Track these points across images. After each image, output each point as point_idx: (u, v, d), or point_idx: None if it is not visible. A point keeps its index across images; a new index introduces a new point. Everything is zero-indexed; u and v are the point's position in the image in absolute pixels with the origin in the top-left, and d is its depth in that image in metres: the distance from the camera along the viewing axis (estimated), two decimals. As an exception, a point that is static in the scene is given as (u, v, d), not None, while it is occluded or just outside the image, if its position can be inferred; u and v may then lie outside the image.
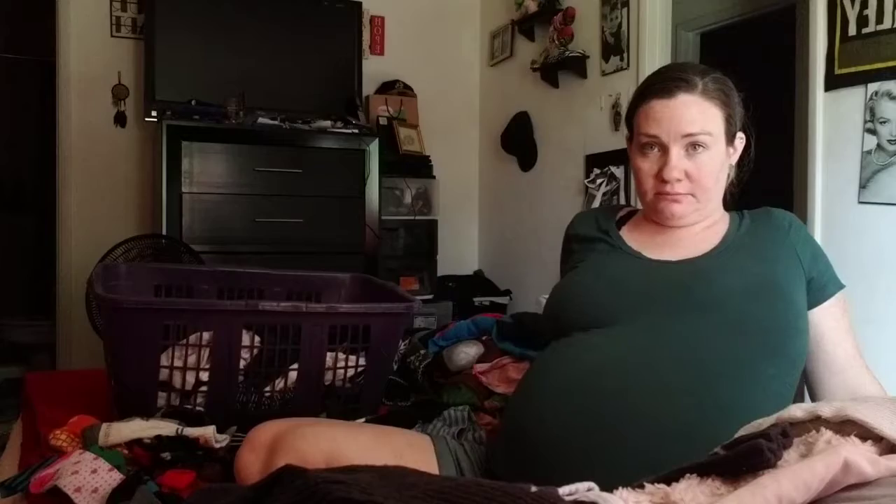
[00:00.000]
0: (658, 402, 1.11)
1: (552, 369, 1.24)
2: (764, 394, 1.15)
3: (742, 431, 0.88)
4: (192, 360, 1.50)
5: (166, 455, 1.28)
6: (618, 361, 1.16)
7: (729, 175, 1.35)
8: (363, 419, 1.55)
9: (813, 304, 1.27)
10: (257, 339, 1.57)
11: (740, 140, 1.32)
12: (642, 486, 0.71)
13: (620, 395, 1.13)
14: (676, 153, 1.23)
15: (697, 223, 1.31)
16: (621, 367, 1.16)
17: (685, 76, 1.25)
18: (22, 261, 5.20)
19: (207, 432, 1.33)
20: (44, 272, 4.56)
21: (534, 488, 0.59)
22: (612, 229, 1.40)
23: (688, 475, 0.72)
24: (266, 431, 1.24)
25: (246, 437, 1.27)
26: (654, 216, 1.33)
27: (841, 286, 1.31)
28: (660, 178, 1.25)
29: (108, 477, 1.18)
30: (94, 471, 1.18)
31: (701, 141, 1.23)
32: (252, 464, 1.22)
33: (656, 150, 1.26)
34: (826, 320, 1.27)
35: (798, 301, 1.24)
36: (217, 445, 1.34)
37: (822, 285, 1.28)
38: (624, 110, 3.40)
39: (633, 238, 1.36)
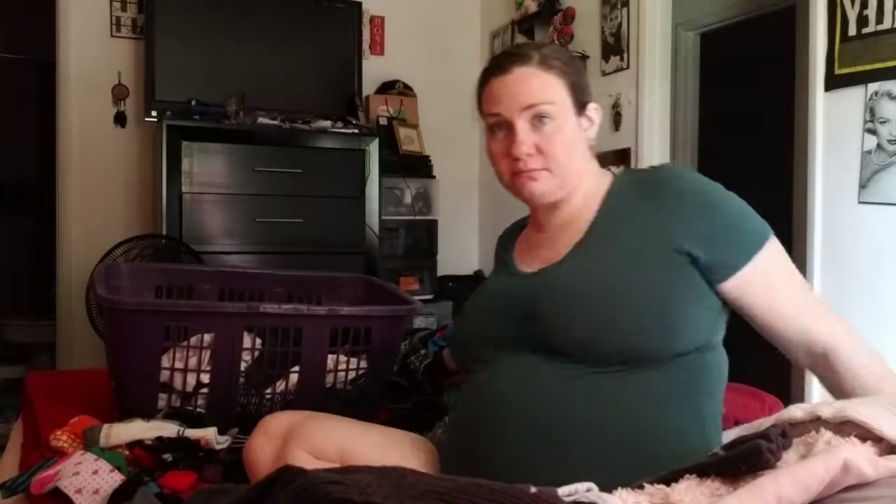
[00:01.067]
0: (510, 443, 1.09)
1: (454, 411, 1.26)
2: (632, 410, 1.08)
3: (741, 432, 0.88)
4: (192, 361, 1.50)
5: (167, 456, 1.28)
6: (479, 404, 1.15)
7: (594, 147, 1.26)
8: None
9: (718, 279, 1.12)
10: (258, 341, 1.57)
11: (595, 111, 1.24)
12: (642, 487, 0.71)
13: (482, 439, 1.12)
14: (522, 127, 1.17)
15: (565, 201, 1.22)
16: (479, 411, 1.14)
17: (520, 51, 1.21)
18: (22, 261, 5.20)
19: (209, 434, 1.34)
20: (44, 272, 4.56)
21: (533, 489, 0.59)
22: (510, 242, 1.36)
23: (687, 476, 0.72)
24: (282, 420, 1.26)
25: (259, 424, 1.28)
26: (520, 199, 1.26)
27: (758, 246, 1.12)
28: (512, 157, 1.19)
29: (109, 478, 1.18)
30: (96, 472, 1.18)
31: (544, 111, 1.17)
32: (264, 449, 1.23)
33: (503, 129, 1.20)
34: (745, 292, 1.13)
35: (673, 292, 1.10)
36: (218, 447, 1.34)
37: (723, 262, 1.12)
38: (624, 110, 3.43)
39: (521, 246, 1.32)
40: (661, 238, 1.12)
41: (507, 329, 1.16)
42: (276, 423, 1.26)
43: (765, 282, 1.13)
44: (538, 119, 1.17)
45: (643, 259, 1.11)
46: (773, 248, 1.14)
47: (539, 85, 1.17)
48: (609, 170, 1.28)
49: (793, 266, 1.18)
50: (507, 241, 1.38)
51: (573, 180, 1.20)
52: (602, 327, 1.08)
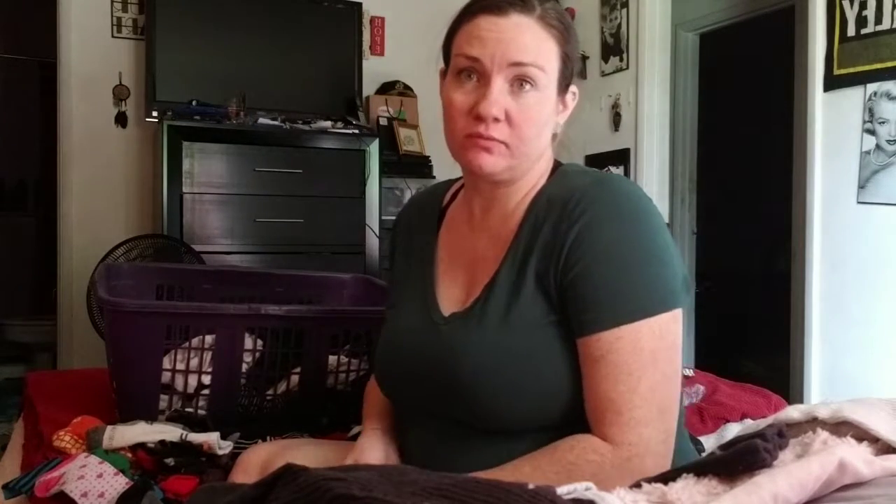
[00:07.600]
0: None
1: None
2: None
3: (739, 432, 0.89)
4: (193, 363, 1.50)
5: (170, 461, 1.28)
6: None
7: (556, 135, 1.09)
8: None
9: (575, 332, 0.96)
10: (259, 342, 1.58)
11: (573, 96, 1.06)
12: (639, 486, 0.72)
13: None
14: (499, 85, 0.97)
15: (510, 187, 1.05)
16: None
17: None
18: (24, 260, 5.22)
19: (211, 439, 1.33)
20: (46, 272, 4.58)
21: (531, 485, 0.60)
22: (432, 221, 1.16)
23: (685, 474, 0.72)
24: (258, 453, 1.22)
25: (237, 461, 1.25)
26: (463, 170, 1.07)
27: (618, 323, 0.93)
28: (474, 115, 0.98)
29: (114, 481, 1.18)
30: (100, 475, 1.18)
31: (531, 75, 0.97)
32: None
33: (475, 79, 0.99)
34: (582, 355, 0.96)
35: (557, 347, 0.97)
36: (220, 452, 1.33)
37: (580, 310, 0.95)
38: (624, 111, 3.44)
39: (445, 239, 1.14)
40: (552, 264, 0.97)
41: (426, 396, 1.05)
42: (253, 459, 1.21)
43: (600, 364, 0.94)
44: (520, 82, 0.98)
45: (534, 310, 0.98)
46: (637, 336, 0.93)
47: (533, 41, 0.98)
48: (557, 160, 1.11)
49: (661, 354, 0.94)
50: (428, 216, 1.18)
51: (526, 164, 1.03)
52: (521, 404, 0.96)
